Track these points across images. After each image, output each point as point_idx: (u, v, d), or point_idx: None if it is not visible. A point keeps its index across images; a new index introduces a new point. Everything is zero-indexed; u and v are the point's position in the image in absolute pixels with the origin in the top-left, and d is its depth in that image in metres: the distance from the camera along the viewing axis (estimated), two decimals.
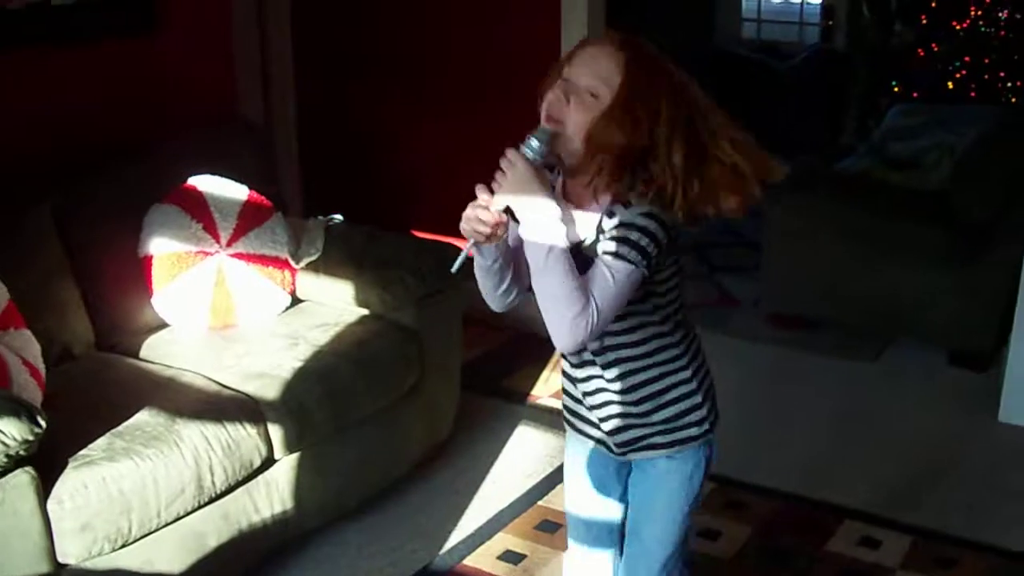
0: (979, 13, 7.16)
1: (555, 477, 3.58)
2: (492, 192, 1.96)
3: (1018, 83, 6.91)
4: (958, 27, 7.24)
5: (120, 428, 2.73)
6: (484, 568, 3.13)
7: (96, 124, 3.67)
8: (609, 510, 2.32)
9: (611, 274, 1.89)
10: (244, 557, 2.97)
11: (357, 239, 3.65)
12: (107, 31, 3.77)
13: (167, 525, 2.71)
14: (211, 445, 2.78)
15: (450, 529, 3.32)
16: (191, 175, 3.48)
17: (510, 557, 3.17)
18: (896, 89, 7.37)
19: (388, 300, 3.44)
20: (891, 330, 4.67)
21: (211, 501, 2.81)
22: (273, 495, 3.00)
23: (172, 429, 2.76)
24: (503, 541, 3.25)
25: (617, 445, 2.17)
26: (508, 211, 1.96)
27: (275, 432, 2.96)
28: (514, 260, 2.11)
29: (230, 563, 2.92)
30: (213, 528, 2.84)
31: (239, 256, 3.40)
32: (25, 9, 3.53)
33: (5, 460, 2.36)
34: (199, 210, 3.40)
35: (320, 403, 3.08)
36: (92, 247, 3.30)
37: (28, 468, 2.44)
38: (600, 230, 1.94)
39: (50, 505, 2.48)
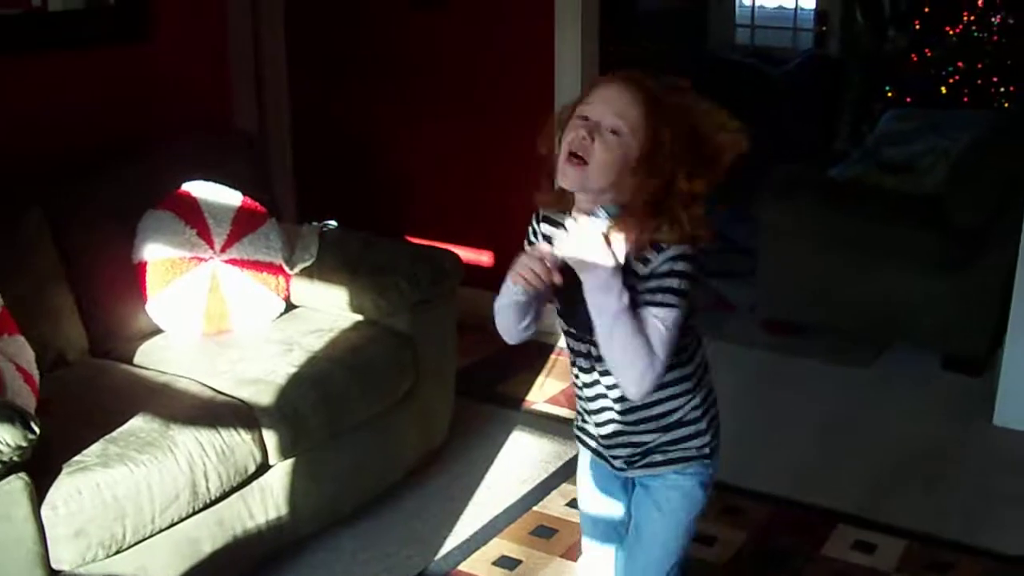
0: (972, 18, 7.18)
1: (550, 483, 3.58)
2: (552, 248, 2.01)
3: (1011, 88, 6.93)
4: (951, 32, 7.26)
5: (114, 434, 2.72)
6: (479, 574, 3.13)
7: (91, 129, 3.67)
8: (613, 509, 2.36)
9: (662, 324, 1.97)
10: (239, 563, 2.97)
11: (351, 245, 3.65)
12: (102, 37, 3.77)
13: (161, 531, 2.70)
14: (205, 451, 2.77)
15: (445, 535, 3.31)
16: (185, 181, 3.48)
17: (505, 563, 3.17)
18: (890, 94, 7.38)
19: (383, 306, 3.44)
20: (885, 335, 4.67)
21: (205, 507, 2.81)
22: (268, 501, 3.00)
23: (166, 435, 2.75)
24: (498, 547, 3.25)
25: (618, 462, 2.23)
26: (562, 270, 2.00)
27: (269, 438, 2.96)
28: (540, 297, 2.15)
29: (224, 569, 2.91)
30: (207, 534, 2.83)
31: (233, 262, 3.40)
32: (22, 14, 3.53)
33: None
34: (193, 216, 3.39)
35: (315, 409, 3.07)
36: (86, 253, 3.30)
37: (22, 474, 2.43)
38: (634, 274, 1.99)
39: (44, 511, 2.48)
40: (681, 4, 8.36)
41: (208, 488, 2.77)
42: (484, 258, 4.85)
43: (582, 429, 2.31)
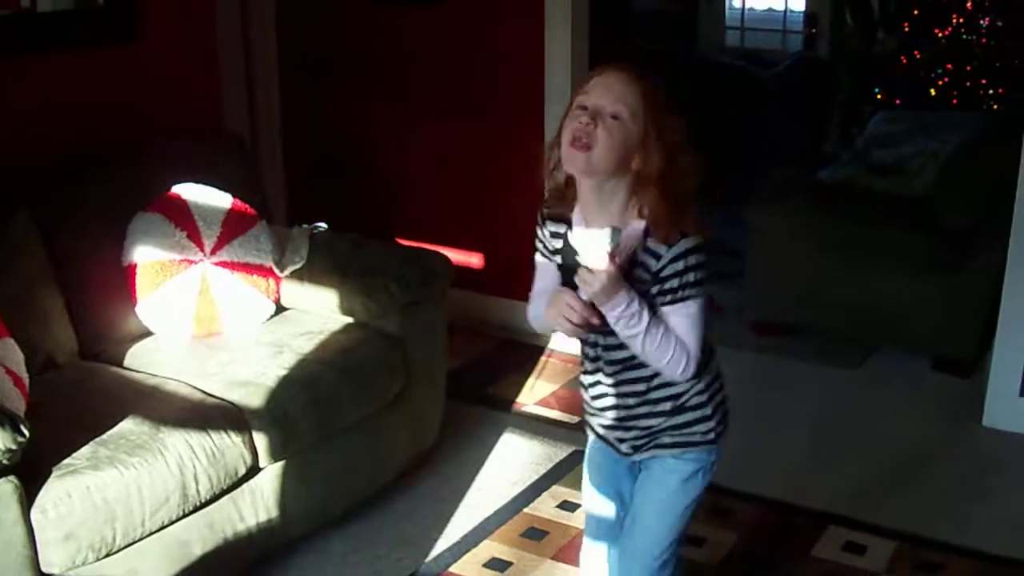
0: (961, 21, 7.21)
1: (540, 485, 3.58)
2: (579, 297, 2.10)
3: (1000, 90, 6.95)
4: (940, 35, 7.28)
5: (104, 437, 2.72)
6: None
7: (80, 130, 3.67)
8: (612, 508, 2.44)
9: (687, 317, 2.11)
10: (229, 566, 2.96)
11: (342, 247, 3.65)
12: (92, 38, 3.76)
13: (152, 534, 2.70)
14: (195, 453, 2.77)
15: (435, 537, 3.31)
16: (175, 183, 3.47)
17: (496, 565, 3.17)
18: (879, 96, 7.40)
19: (373, 308, 3.44)
20: (875, 337, 4.68)
21: (196, 510, 2.81)
22: (258, 503, 2.99)
23: (156, 438, 2.75)
24: (489, 549, 3.25)
25: (624, 446, 2.31)
26: (592, 305, 2.10)
27: (260, 440, 2.96)
28: None
29: (215, 572, 2.91)
30: (198, 537, 2.83)
31: (223, 264, 3.40)
32: (10, 15, 3.52)
33: None
34: (183, 218, 3.39)
35: (305, 411, 3.07)
36: (75, 255, 3.29)
37: (11, 477, 2.43)
38: (646, 269, 2.10)
39: (34, 514, 2.47)
40: (671, 6, 8.37)
41: (198, 491, 2.77)
42: (474, 260, 4.85)
43: (590, 414, 2.38)
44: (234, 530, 2.93)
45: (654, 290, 2.10)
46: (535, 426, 3.99)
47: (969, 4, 7.20)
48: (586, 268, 2.05)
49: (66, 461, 2.60)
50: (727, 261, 5.47)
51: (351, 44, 4.90)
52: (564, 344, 4.68)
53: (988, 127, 5.25)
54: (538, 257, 2.30)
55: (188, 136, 3.89)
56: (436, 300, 3.60)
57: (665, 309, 2.11)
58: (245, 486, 2.95)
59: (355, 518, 3.36)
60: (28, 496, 2.47)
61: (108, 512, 2.56)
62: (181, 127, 3.97)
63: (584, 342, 2.26)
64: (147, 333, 3.40)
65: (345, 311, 3.50)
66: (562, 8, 4.35)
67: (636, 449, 2.30)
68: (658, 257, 2.08)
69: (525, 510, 3.45)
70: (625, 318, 2.07)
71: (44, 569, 2.50)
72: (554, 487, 3.56)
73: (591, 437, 2.44)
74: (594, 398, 2.31)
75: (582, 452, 3.73)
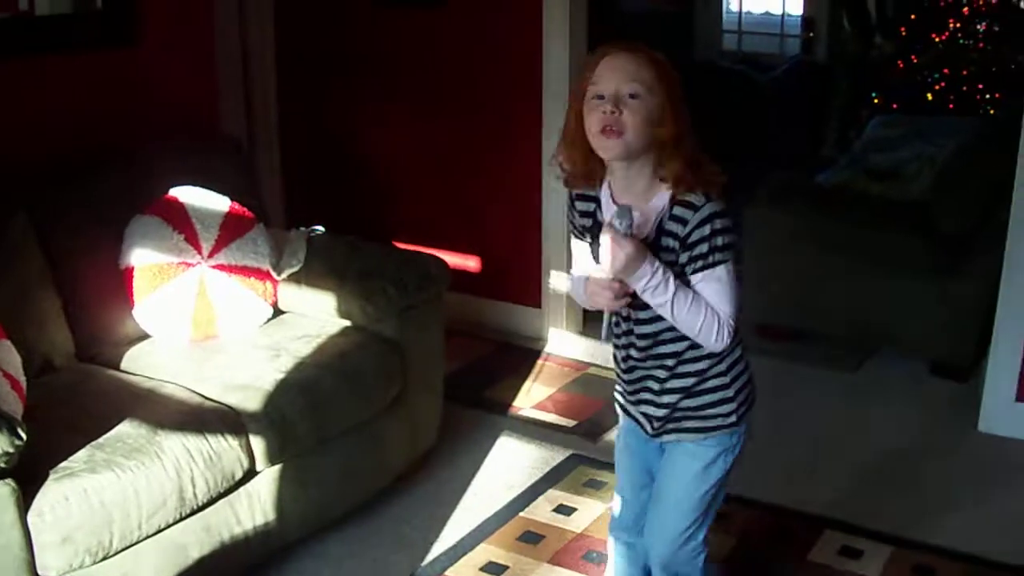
0: (958, 26, 7.23)
1: (537, 488, 3.59)
2: (605, 271, 2.17)
3: (996, 95, 6.97)
4: (937, 39, 7.30)
5: (101, 440, 2.72)
6: None
7: (78, 133, 3.67)
8: (641, 490, 2.53)
9: (720, 282, 2.17)
10: (226, 570, 2.96)
11: (339, 250, 3.65)
12: (90, 41, 3.77)
13: (148, 537, 2.70)
14: (193, 457, 2.77)
15: (432, 540, 3.32)
16: (173, 186, 3.47)
17: (492, 568, 3.17)
18: (876, 101, 7.42)
19: (370, 311, 3.44)
20: (872, 341, 4.69)
21: (193, 513, 2.80)
22: (255, 507, 2.99)
23: (153, 441, 2.75)
24: (485, 552, 3.25)
25: (652, 427, 2.37)
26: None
27: (257, 444, 2.96)
28: None
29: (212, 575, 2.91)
30: (195, 540, 2.83)
31: (221, 267, 3.40)
32: (9, 18, 3.53)
33: None
34: (180, 221, 3.39)
35: (302, 415, 3.07)
36: (73, 257, 3.29)
37: (8, 480, 2.42)
38: (674, 236, 2.16)
39: (31, 518, 2.47)
40: (668, 9, 8.38)
41: (195, 494, 2.77)
42: (471, 263, 4.85)
43: (620, 392, 2.46)
44: (231, 534, 2.93)
45: (683, 258, 2.16)
46: (532, 430, 3.99)
47: (966, 9, 7.22)
48: (602, 247, 2.12)
49: (63, 464, 2.60)
50: None
51: (348, 47, 4.91)
52: (560, 348, 4.69)
53: (985, 132, 5.26)
54: (573, 239, 2.38)
55: (186, 139, 3.89)
56: (433, 304, 3.60)
57: (695, 278, 2.16)
58: (242, 490, 2.95)
59: (352, 522, 3.36)
60: (25, 499, 2.47)
61: (105, 515, 2.56)
62: (179, 130, 3.97)
63: (616, 314, 2.31)
64: (144, 336, 3.40)
65: (343, 314, 3.50)
66: (560, 13, 4.37)
67: (660, 430, 2.36)
68: (684, 223, 2.14)
69: (521, 514, 3.45)
70: (651, 289, 2.13)
71: (41, 573, 2.50)
72: (550, 491, 3.57)
73: (622, 418, 2.52)
74: (625, 371, 2.38)
75: (579, 456, 3.77)
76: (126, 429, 2.78)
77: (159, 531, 2.72)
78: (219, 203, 3.50)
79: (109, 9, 3.79)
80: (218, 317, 3.38)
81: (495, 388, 4.35)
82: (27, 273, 3.16)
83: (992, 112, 6.91)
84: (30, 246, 3.19)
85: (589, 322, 4.79)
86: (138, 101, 3.91)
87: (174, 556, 2.78)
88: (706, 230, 2.13)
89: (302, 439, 3.07)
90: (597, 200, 2.27)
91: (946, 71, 7.18)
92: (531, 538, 3.32)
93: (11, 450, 2.37)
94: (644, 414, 2.39)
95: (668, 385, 2.31)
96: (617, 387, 2.48)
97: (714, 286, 2.16)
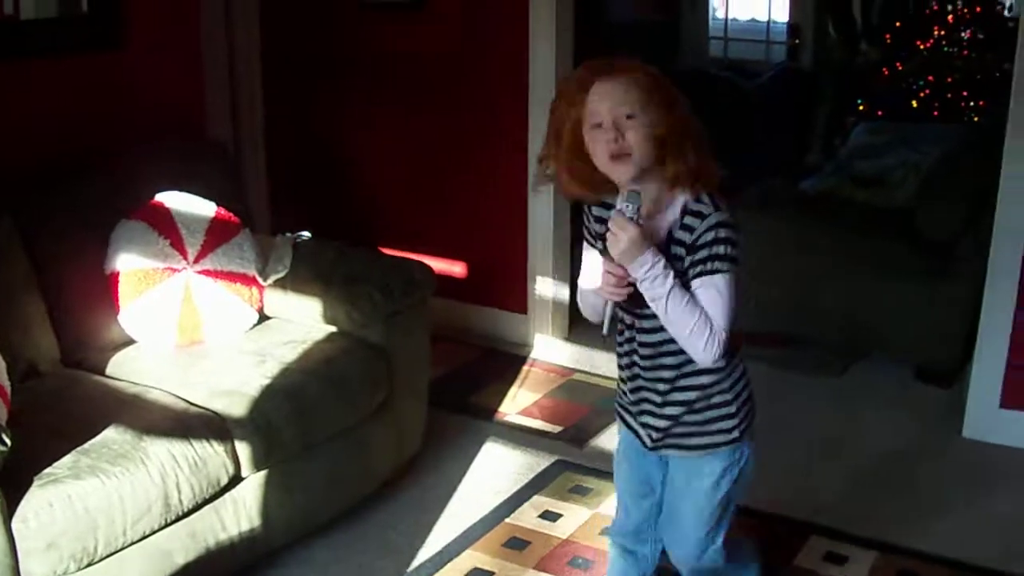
0: (942, 33, 7.27)
1: (523, 494, 3.59)
2: (612, 258, 2.20)
3: (981, 102, 7.00)
4: (922, 47, 7.33)
5: (86, 446, 2.71)
6: None
7: (63, 138, 3.66)
8: (642, 500, 2.56)
9: (717, 290, 2.18)
10: (211, 575, 2.96)
11: (325, 256, 3.64)
12: (75, 45, 3.75)
13: (133, 543, 2.69)
14: (178, 463, 2.76)
15: (418, 546, 3.31)
16: (158, 191, 3.47)
17: (478, 574, 3.17)
18: (861, 107, 7.45)
19: (356, 317, 3.44)
20: (857, 347, 4.69)
21: (178, 519, 2.80)
22: (240, 513, 2.99)
23: (138, 447, 2.74)
24: (471, 558, 3.25)
25: (651, 440, 2.39)
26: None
27: (242, 449, 2.95)
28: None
29: None
30: (180, 546, 2.82)
31: (206, 273, 3.39)
32: None
33: None
34: (166, 226, 3.38)
35: (288, 420, 3.07)
36: (58, 262, 3.28)
37: None
38: (680, 243, 2.20)
39: (15, 524, 2.46)
40: (655, 16, 8.38)
41: (180, 500, 2.76)
42: (456, 269, 4.85)
43: (621, 403, 2.48)
44: (216, 539, 2.92)
45: (686, 263, 2.19)
46: (517, 436, 3.99)
47: (951, 17, 7.25)
48: (611, 228, 2.16)
49: (48, 470, 2.59)
50: None
51: (335, 50, 4.90)
52: (546, 354, 4.69)
53: (969, 139, 5.28)
54: (584, 248, 2.40)
55: (172, 143, 3.88)
56: (419, 309, 3.60)
57: (695, 283, 2.18)
58: (227, 495, 2.94)
59: (338, 527, 3.36)
60: (9, 505, 2.46)
61: (90, 521, 2.56)
62: (165, 134, 3.96)
63: (621, 321, 2.34)
64: (130, 341, 3.39)
65: (328, 320, 3.49)
66: (546, 19, 4.37)
67: (658, 443, 2.38)
68: (692, 231, 2.17)
69: (507, 520, 3.45)
70: (650, 279, 2.15)
71: None
72: (536, 497, 3.57)
73: (621, 429, 2.53)
74: (626, 380, 2.41)
75: (565, 462, 3.77)
76: (111, 435, 2.77)
77: (144, 537, 2.71)
78: (205, 208, 3.50)
79: (95, 13, 3.78)
80: (204, 323, 3.37)
81: (481, 394, 4.34)
82: (12, 278, 3.15)
83: (976, 119, 6.93)
84: (15, 250, 3.17)
85: (575, 328, 4.79)
86: (124, 105, 3.90)
87: (159, 562, 2.77)
88: (709, 237, 2.16)
89: (288, 445, 3.07)
90: (613, 206, 2.28)
91: (931, 78, 7.21)
92: (517, 544, 3.32)
93: None
94: (644, 425, 2.40)
95: (670, 398, 2.33)
96: (619, 397, 2.50)
97: (711, 293, 2.17)
